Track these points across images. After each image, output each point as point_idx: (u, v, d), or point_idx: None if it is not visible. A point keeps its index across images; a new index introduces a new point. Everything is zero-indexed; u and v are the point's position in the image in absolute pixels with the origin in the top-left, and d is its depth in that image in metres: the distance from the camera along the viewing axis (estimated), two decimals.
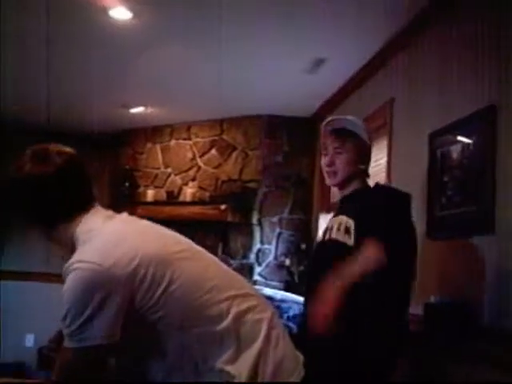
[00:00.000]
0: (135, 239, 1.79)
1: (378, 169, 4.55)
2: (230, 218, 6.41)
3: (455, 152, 3.18)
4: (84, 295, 1.61)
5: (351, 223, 2.47)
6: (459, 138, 3.15)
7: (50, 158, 1.79)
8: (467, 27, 3.18)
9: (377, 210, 2.44)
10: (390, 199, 2.55)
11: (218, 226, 6.64)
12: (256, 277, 6.42)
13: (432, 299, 3.04)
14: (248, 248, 6.50)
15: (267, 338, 1.75)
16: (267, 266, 6.48)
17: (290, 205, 6.57)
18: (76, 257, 1.68)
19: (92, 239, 1.74)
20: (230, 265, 6.48)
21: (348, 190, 2.72)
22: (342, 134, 2.66)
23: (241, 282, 1.91)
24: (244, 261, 6.52)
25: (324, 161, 2.73)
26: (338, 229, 2.53)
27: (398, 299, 2.50)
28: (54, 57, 4.82)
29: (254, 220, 6.51)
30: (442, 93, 3.42)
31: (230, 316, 1.73)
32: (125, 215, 1.95)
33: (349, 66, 4.86)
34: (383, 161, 4.35)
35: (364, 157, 2.74)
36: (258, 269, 6.46)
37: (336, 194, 2.99)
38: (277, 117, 6.58)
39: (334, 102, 5.67)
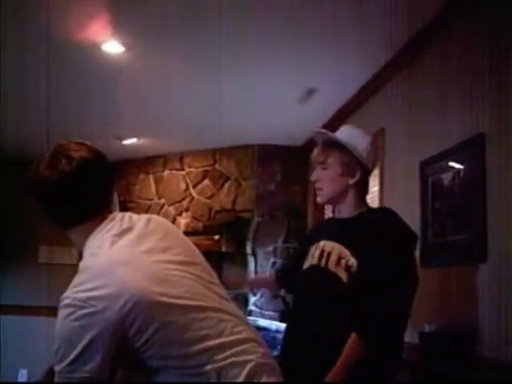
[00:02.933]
0: (133, 276, 1.69)
1: (369, 197, 4.55)
2: (223, 248, 6.41)
3: (446, 180, 3.20)
4: (74, 335, 1.58)
5: (353, 262, 2.24)
6: (450, 165, 3.18)
7: (59, 164, 1.77)
8: (456, 59, 3.22)
9: (384, 262, 2.22)
10: (400, 245, 2.31)
11: (212, 257, 6.61)
12: (251, 307, 6.39)
13: (426, 328, 3.04)
14: (242, 278, 6.48)
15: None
16: (262, 295, 6.45)
17: (283, 234, 6.57)
18: (70, 288, 1.65)
19: (91, 268, 1.69)
20: None
21: (345, 211, 2.47)
22: (326, 148, 2.45)
23: (231, 324, 1.80)
24: (238, 290, 6.49)
25: (312, 177, 2.54)
26: (338, 263, 2.29)
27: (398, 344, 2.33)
28: (45, 91, 4.85)
29: (248, 250, 6.51)
30: (432, 122, 3.46)
31: (216, 363, 1.68)
32: (138, 230, 1.84)
33: (339, 96, 4.91)
34: (375, 189, 4.38)
35: (353, 169, 2.42)
36: (252, 299, 6.44)
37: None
38: (269, 146, 6.61)
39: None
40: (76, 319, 1.59)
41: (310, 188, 6.39)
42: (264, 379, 1.74)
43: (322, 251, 2.38)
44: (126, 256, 1.77)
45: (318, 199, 2.53)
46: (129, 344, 1.63)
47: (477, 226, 2.85)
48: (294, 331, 2.40)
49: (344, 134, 2.47)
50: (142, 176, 7.63)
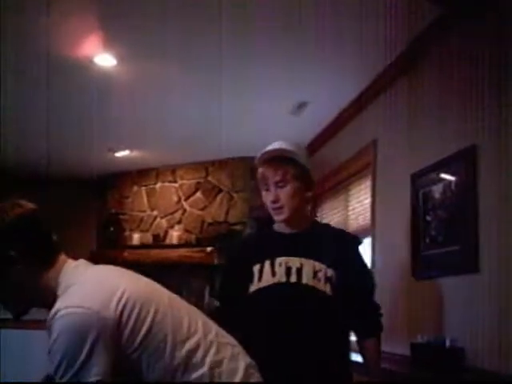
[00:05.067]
0: (119, 279, 1.81)
1: (362, 209, 4.59)
2: (216, 261, 6.40)
3: (437, 192, 3.21)
4: (76, 341, 1.59)
5: (331, 273, 2.30)
6: (441, 178, 3.20)
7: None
8: (449, 72, 3.24)
9: (357, 263, 2.47)
10: (356, 245, 2.52)
11: (205, 269, 6.62)
12: None
13: (419, 338, 3.05)
14: None
15: None
16: None
17: None
18: (60, 304, 1.67)
19: (76, 285, 1.73)
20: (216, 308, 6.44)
21: (300, 226, 2.45)
22: (281, 164, 2.38)
23: (216, 328, 1.91)
24: None
25: (267, 197, 2.43)
26: (314, 276, 2.30)
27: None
28: (41, 104, 4.87)
29: None
30: (424, 134, 3.48)
31: (206, 365, 1.73)
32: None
33: (332, 109, 4.93)
34: (367, 201, 4.39)
35: (309, 183, 2.45)
36: None
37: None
38: None
39: (317, 144, 5.73)
40: (74, 325, 1.61)
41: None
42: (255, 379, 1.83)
43: (288, 267, 2.33)
44: (107, 268, 1.89)
45: (280, 217, 2.42)
46: (123, 350, 1.66)
47: (468, 238, 2.86)
48: (283, 349, 2.29)
49: (292, 149, 2.43)
50: (134, 188, 7.63)
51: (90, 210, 7.94)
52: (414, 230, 3.46)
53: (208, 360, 1.74)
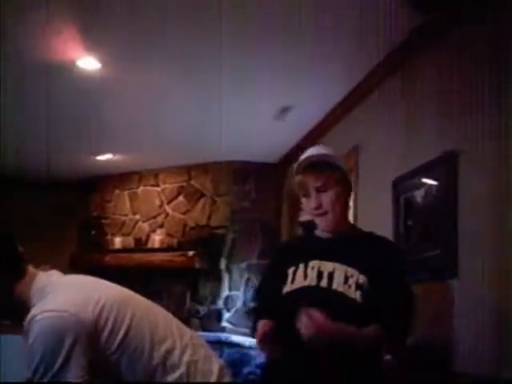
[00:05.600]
0: (95, 284, 1.84)
1: None
2: (198, 265, 6.39)
3: (418, 197, 3.24)
4: (53, 344, 1.61)
5: (364, 280, 2.20)
6: (422, 183, 3.22)
7: None
8: (431, 79, 3.27)
9: (394, 275, 2.24)
10: (401, 259, 2.38)
11: (187, 273, 6.61)
12: (224, 323, 6.38)
13: None
14: (216, 294, 6.47)
15: None
16: (236, 312, 6.45)
17: (258, 250, 6.58)
18: (38, 309, 1.68)
19: (51, 292, 1.76)
20: (198, 312, 6.45)
21: (338, 230, 2.36)
22: (322, 170, 2.32)
23: (189, 332, 1.95)
24: (212, 307, 6.48)
25: (308, 204, 2.36)
26: (345, 282, 2.22)
27: None
28: (23, 107, 4.85)
29: (223, 266, 6.50)
30: (406, 139, 3.51)
31: (183, 365, 1.77)
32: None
33: (314, 114, 4.95)
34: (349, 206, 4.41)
35: (349, 187, 2.42)
36: (226, 315, 6.42)
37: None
38: (244, 163, 6.64)
39: (300, 149, 5.74)
40: (53, 328, 1.62)
41: (284, 204, 6.44)
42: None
43: (320, 272, 2.27)
44: (81, 276, 1.93)
45: (327, 226, 2.36)
46: (101, 352, 1.67)
47: (448, 243, 2.88)
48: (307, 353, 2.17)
49: (331, 153, 2.39)
50: (116, 192, 7.60)
51: (72, 213, 7.90)
52: (395, 235, 3.48)
53: (185, 360, 1.78)
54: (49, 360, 1.60)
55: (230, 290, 6.49)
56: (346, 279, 2.21)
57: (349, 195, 2.43)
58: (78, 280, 1.89)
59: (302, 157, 2.37)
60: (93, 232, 7.56)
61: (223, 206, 6.64)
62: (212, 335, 5.05)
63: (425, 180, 3.19)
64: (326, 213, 2.32)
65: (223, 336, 5.02)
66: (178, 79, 4.34)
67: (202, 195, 6.84)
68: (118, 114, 5.16)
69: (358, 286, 2.19)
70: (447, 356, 2.83)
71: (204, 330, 6.07)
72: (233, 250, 6.54)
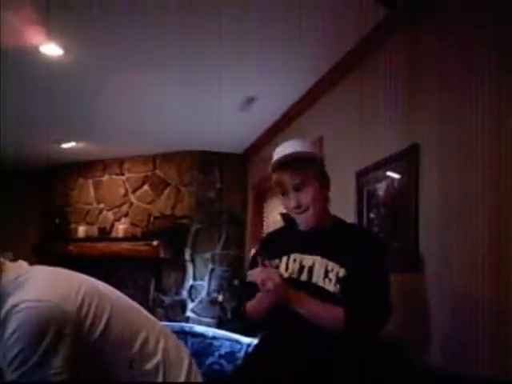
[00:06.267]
0: (71, 275, 1.85)
1: None
2: (162, 255, 6.37)
3: (381, 190, 3.27)
4: (37, 334, 1.60)
5: (344, 273, 2.19)
6: (384, 176, 3.25)
7: None
8: (395, 70, 3.29)
9: (368, 265, 2.22)
10: (380, 250, 2.33)
11: (151, 263, 6.60)
12: (189, 313, 6.38)
13: None
14: (180, 284, 6.47)
15: (188, 377, 1.88)
16: (200, 302, 6.46)
17: (222, 241, 6.59)
18: (17, 298, 1.66)
19: (28, 281, 1.73)
20: (162, 301, 6.44)
21: (321, 224, 2.34)
22: (298, 168, 2.30)
23: (158, 322, 2.01)
24: (176, 297, 6.48)
25: (287, 203, 2.35)
26: (326, 276, 2.21)
27: None
28: None
29: (187, 256, 6.50)
30: (370, 131, 3.53)
31: (159, 353, 1.82)
32: None
33: (280, 104, 4.96)
34: None
35: (326, 181, 2.40)
36: (190, 305, 6.43)
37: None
38: (210, 153, 6.63)
39: (265, 139, 5.76)
40: (36, 318, 1.63)
41: (249, 195, 6.45)
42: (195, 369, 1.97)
43: (302, 265, 2.29)
44: (53, 268, 1.90)
45: (307, 223, 2.34)
46: (85, 340, 1.67)
47: (409, 236, 2.91)
48: (286, 343, 2.23)
49: (304, 146, 2.38)
50: (80, 181, 7.54)
51: (35, 202, 7.83)
52: None
53: (160, 348, 1.83)
54: (28, 350, 1.60)
55: (195, 279, 6.49)
56: (326, 273, 2.22)
57: (328, 189, 2.41)
58: (53, 270, 1.87)
59: (277, 154, 2.35)
60: (57, 220, 7.49)
61: (188, 196, 6.63)
62: (176, 325, 5.03)
63: (387, 173, 3.22)
64: (305, 210, 2.31)
65: (187, 326, 4.99)
66: (141, 67, 4.30)
67: (167, 185, 6.82)
68: (82, 102, 5.10)
69: (338, 280, 2.19)
70: (408, 348, 2.86)
71: (168, 319, 6.06)
72: (197, 240, 6.54)
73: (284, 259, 2.33)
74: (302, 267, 2.28)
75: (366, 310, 2.15)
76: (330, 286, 2.19)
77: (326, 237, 2.33)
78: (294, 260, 2.31)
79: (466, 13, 2.65)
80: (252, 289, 2.25)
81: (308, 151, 2.37)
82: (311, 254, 2.28)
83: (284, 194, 2.35)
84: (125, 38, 3.85)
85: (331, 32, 3.54)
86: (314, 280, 2.23)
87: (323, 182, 2.37)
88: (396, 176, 3.15)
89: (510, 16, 2.34)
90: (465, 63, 2.61)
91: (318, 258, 2.25)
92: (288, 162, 2.31)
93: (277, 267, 2.29)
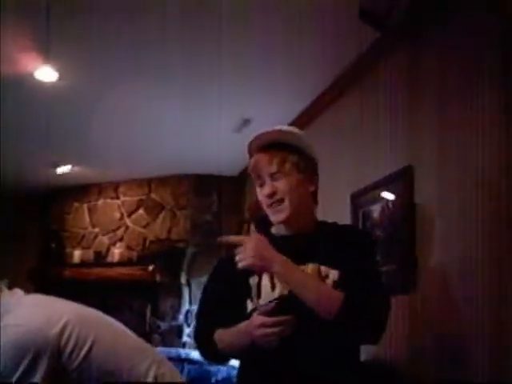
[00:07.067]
0: (59, 302, 1.85)
1: None
2: (158, 279, 6.34)
3: (376, 211, 3.26)
4: (14, 358, 1.63)
5: (337, 275, 1.87)
6: (379, 197, 3.24)
7: None
8: (387, 93, 3.30)
9: (360, 261, 1.90)
10: (370, 246, 2.06)
11: (147, 287, 6.56)
12: (185, 338, 6.33)
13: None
14: (177, 309, 6.42)
15: None
16: None
17: None
18: (3, 322, 1.68)
19: (14, 309, 1.76)
20: (159, 327, 6.39)
21: (303, 227, 2.00)
22: (278, 151, 1.95)
23: (153, 350, 2.00)
24: (173, 322, 6.42)
25: (262, 192, 1.98)
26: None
27: None
28: None
29: (183, 280, 6.46)
30: (363, 154, 3.52)
31: (150, 379, 1.82)
32: None
33: (274, 126, 4.94)
34: None
35: (311, 174, 2.03)
36: (186, 330, 6.38)
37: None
38: (205, 176, 6.62)
39: None
40: (14, 342, 1.64)
41: (245, 217, 6.43)
42: None
43: None
44: (44, 295, 1.93)
45: (280, 216, 1.96)
46: (63, 368, 1.67)
47: (405, 258, 2.90)
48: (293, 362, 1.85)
49: (291, 133, 2.03)
50: (75, 205, 7.50)
51: (31, 226, 7.80)
52: None
53: (151, 375, 1.83)
54: (11, 369, 1.61)
55: (191, 304, 6.44)
56: (322, 280, 1.89)
57: (313, 184, 2.04)
58: (41, 298, 1.89)
59: (256, 133, 2.00)
60: (53, 245, 7.45)
61: (184, 220, 6.60)
62: (172, 351, 5.00)
63: (382, 194, 3.21)
64: (281, 201, 1.95)
65: (183, 352, 4.96)
66: (137, 91, 4.31)
67: (163, 208, 6.79)
68: (78, 126, 5.09)
69: (334, 284, 1.86)
70: (403, 371, 2.83)
71: (165, 345, 6.01)
72: (193, 263, 6.50)
73: (265, 274, 1.92)
74: None
75: (367, 297, 1.81)
76: None
77: (311, 240, 1.96)
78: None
79: (466, 33, 2.65)
80: (224, 310, 1.97)
81: (289, 132, 2.03)
82: (299, 262, 1.87)
83: (261, 184, 1.99)
84: (120, 62, 3.85)
85: (329, 53, 3.56)
86: None
87: (308, 175, 2.01)
88: (389, 197, 3.14)
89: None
90: (464, 84, 2.61)
91: (309, 266, 1.89)
92: (266, 146, 1.97)
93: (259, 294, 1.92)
